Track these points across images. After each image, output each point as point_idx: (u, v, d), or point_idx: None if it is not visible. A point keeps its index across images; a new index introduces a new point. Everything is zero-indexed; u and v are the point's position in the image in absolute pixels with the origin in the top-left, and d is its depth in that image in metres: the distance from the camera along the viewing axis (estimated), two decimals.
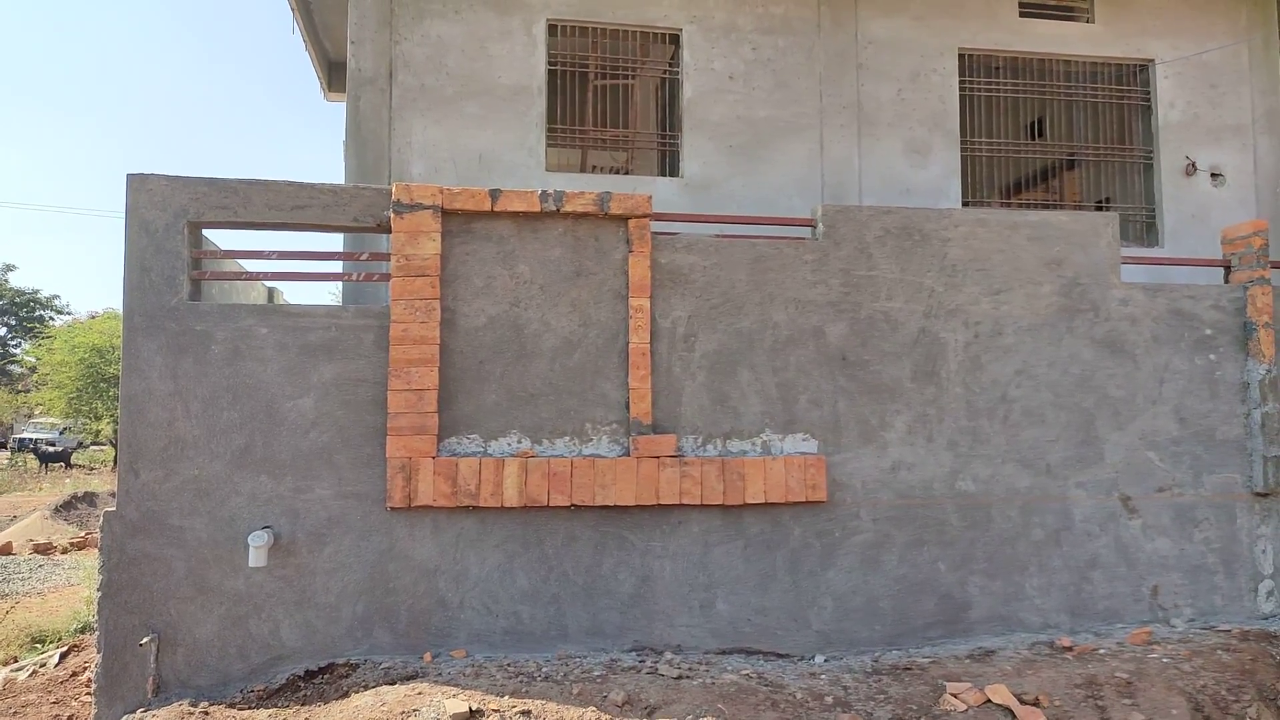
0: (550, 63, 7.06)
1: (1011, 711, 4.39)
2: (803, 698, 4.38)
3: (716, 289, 5.27)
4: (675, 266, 5.24)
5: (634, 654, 4.87)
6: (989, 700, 4.45)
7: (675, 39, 7.17)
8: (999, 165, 7.93)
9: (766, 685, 4.48)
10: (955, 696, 4.47)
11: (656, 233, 5.36)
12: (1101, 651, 5.01)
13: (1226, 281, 6.16)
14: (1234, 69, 7.71)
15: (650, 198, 5.17)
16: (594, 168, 8.58)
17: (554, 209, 5.06)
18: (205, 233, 5.11)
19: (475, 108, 6.84)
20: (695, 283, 5.26)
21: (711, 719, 4.08)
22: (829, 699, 4.41)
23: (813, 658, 5.08)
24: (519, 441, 4.98)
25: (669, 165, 7.05)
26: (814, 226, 5.54)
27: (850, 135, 6.98)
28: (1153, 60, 7.59)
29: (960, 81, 7.36)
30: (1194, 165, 7.56)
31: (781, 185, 6.84)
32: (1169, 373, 5.78)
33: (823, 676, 4.68)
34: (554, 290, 5.09)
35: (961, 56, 7.40)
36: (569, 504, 4.90)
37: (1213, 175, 7.58)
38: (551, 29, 7.05)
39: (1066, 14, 7.58)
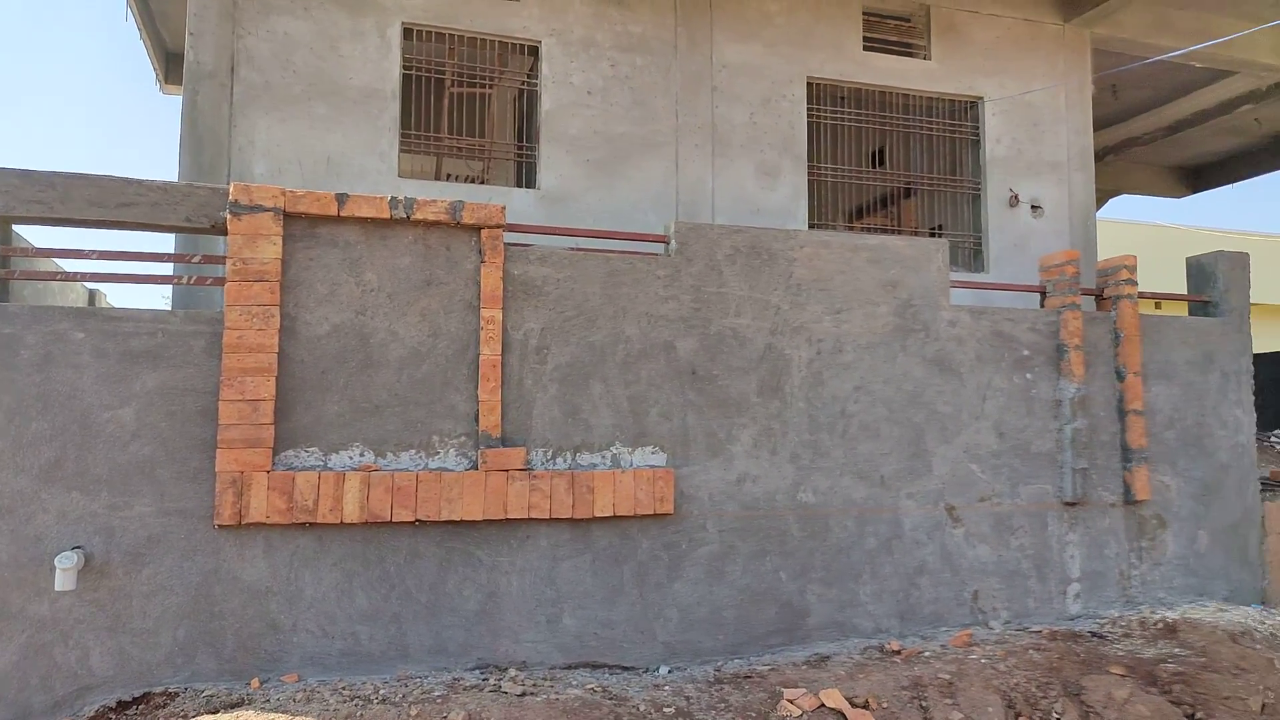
0: (405, 67, 6.91)
1: (844, 715, 4.57)
2: (645, 709, 4.42)
3: (570, 302, 5.28)
4: (529, 278, 5.21)
5: (478, 672, 4.79)
6: (823, 704, 4.61)
7: (535, 51, 7.16)
8: (843, 190, 8.31)
9: (610, 699, 4.49)
10: (791, 702, 4.62)
11: (510, 244, 5.32)
12: (927, 654, 5.28)
13: (1043, 306, 6.65)
14: (1053, 110, 8.36)
15: (504, 208, 5.13)
16: (449, 176, 8.44)
17: (404, 216, 4.95)
18: (22, 230, 4.72)
19: (324, 109, 6.61)
20: (549, 295, 5.25)
21: None
22: (670, 709, 4.46)
23: (658, 669, 5.14)
24: (362, 454, 4.82)
25: (526, 177, 7.02)
26: (667, 243, 5.64)
27: (704, 155, 7.16)
28: (982, 98, 8.14)
29: (809, 109, 7.67)
30: (1017, 197, 8.14)
31: (637, 201, 6.93)
32: (991, 390, 6.18)
33: (666, 688, 4.74)
34: (403, 299, 4.97)
35: (810, 85, 7.71)
36: (414, 519, 4.78)
37: (1033, 207, 8.19)
38: (407, 33, 6.90)
39: (906, 50, 8.03)
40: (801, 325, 5.76)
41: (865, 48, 7.85)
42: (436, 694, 4.36)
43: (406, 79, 6.96)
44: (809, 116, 7.67)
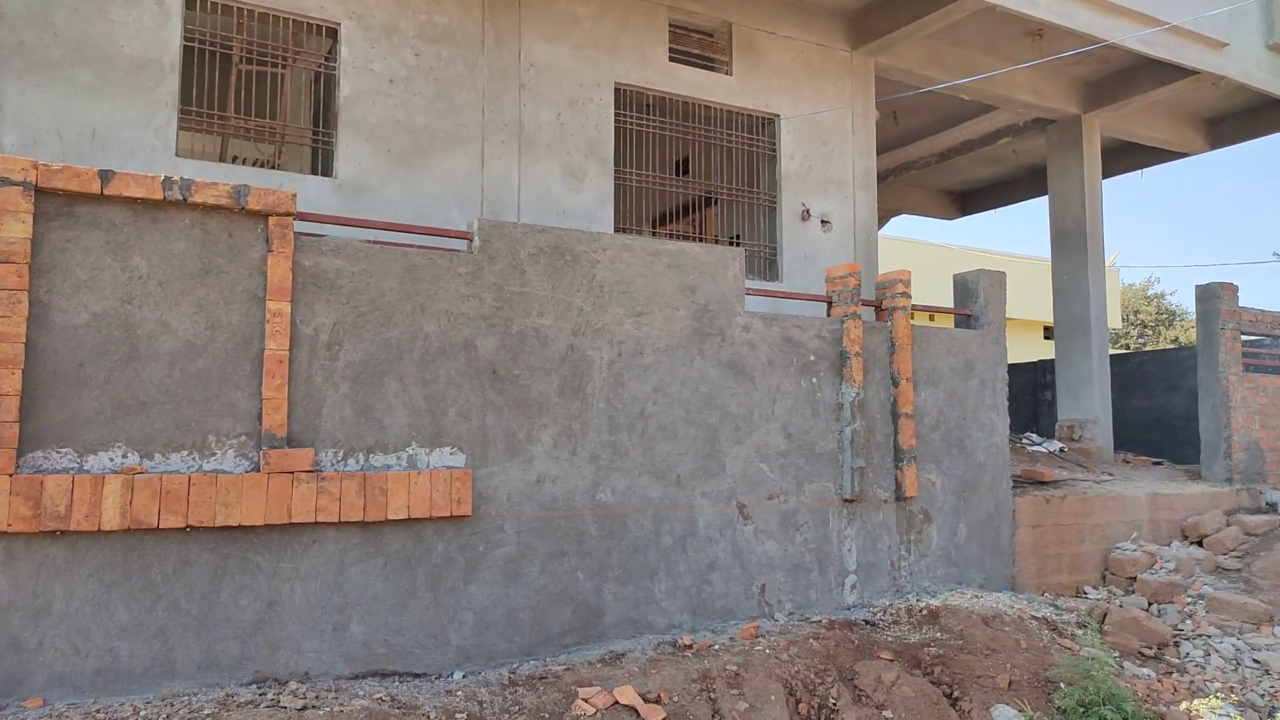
0: (187, 39, 6.41)
1: (636, 711, 4.65)
2: (436, 717, 4.31)
3: (365, 296, 5.07)
4: (321, 270, 4.97)
5: (254, 686, 4.50)
6: (617, 702, 4.68)
7: (333, 33, 6.84)
8: (649, 196, 8.49)
9: (399, 708, 4.35)
10: (586, 701, 4.65)
11: (302, 233, 5.05)
12: (716, 647, 5.47)
13: (829, 315, 7.07)
14: (841, 131, 8.90)
15: (295, 195, 4.86)
16: (236, 159, 7.91)
17: (181, 198, 4.58)
18: None
19: (90, 77, 6.02)
20: (342, 288, 5.02)
21: None
22: (463, 715, 4.38)
23: (451, 675, 5.03)
24: (125, 456, 4.41)
25: (322, 164, 6.69)
26: (470, 240, 5.54)
27: (511, 153, 7.09)
28: (778, 115, 8.55)
29: (616, 114, 7.77)
30: (808, 211, 8.60)
31: (440, 196, 6.77)
32: (780, 393, 6.49)
33: (459, 693, 4.64)
34: (176, 288, 4.59)
35: (618, 90, 7.82)
36: (184, 525, 4.43)
37: (822, 221, 8.69)
38: (190, 2, 6.40)
39: (709, 64, 8.30)
40: (603, 327, 5.82)
41: (671, 58, 8.05)
42: (206, 712, 4.06)
43: (189, 51, 6.46)
44: (616, 122, 7.77)
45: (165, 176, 4.55)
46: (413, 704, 4.42)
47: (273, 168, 6.96)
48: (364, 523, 4.91)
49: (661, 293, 6.06)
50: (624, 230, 8.15)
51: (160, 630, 4.41)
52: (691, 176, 8.76)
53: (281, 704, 4.20)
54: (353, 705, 4.26)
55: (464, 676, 5.00)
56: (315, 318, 4.92)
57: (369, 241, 5.24)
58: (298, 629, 4.73)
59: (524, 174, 7.13)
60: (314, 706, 4.23)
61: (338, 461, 4.92)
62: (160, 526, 4.38)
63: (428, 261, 5.27)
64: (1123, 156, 12.85)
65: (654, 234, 8.81)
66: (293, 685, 4.49)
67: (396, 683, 4.83)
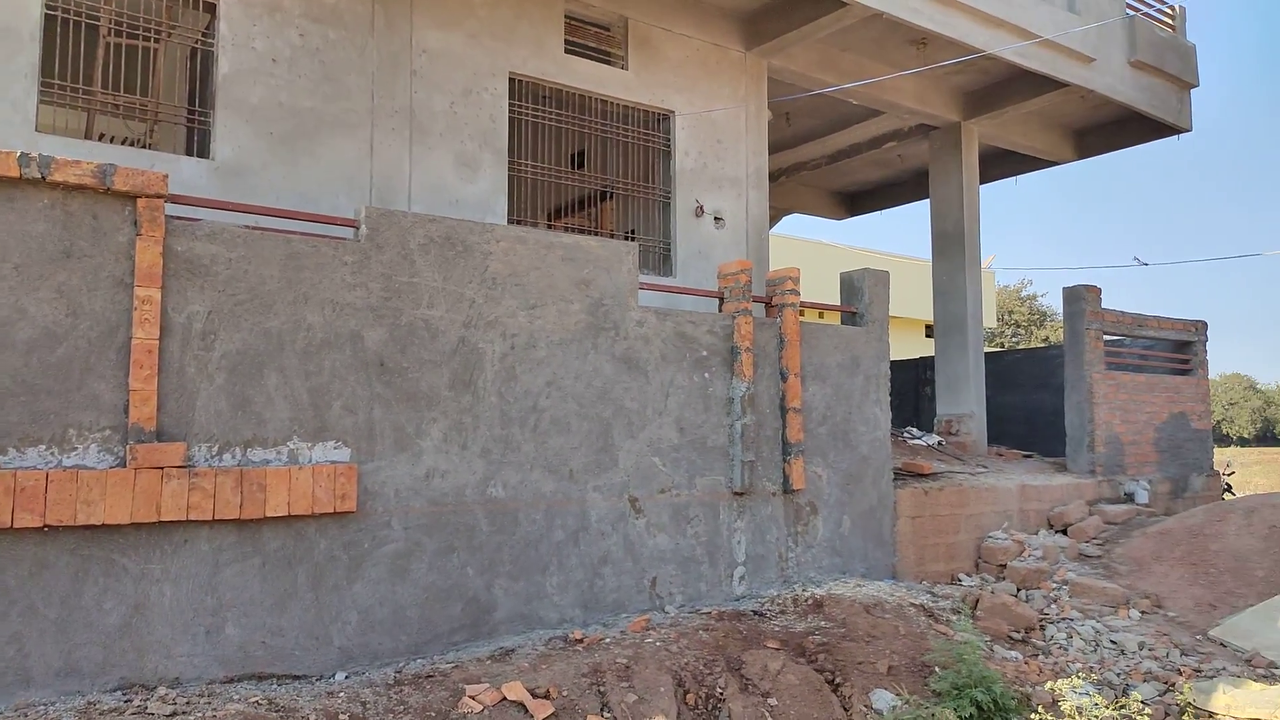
0: (49, 7, 6.00)
1: (525, 706, 4.61)
2: (316, 719, 4.17)
3: (243, 284, 4.86)
4: (195, 256, 4.73)
5: (119, 694, 4.26)
6: (505, 698, 4.62)
7: (211, 8, 6.51)
8: (544, 189, 8.42)
9: (277, 711, 4.19)
10: (473, 698, 4.58)
11: (175, 217, 4.81)
12: (607, 641, 5.48)
13: (720, 311, 7.16)
14: (734, 129, 9.03)
15: (166, 176, 4.62)
16: (104, 136, 7.46)
17: (39, 176, 4.29)
18: None
19: None
20: (218, 275, 4.79)
21: None
22: (345, 716, 4.25)
23: (333, 676, 4.88)
24: None
25: (198, 145, 6.38)
26: (357, 228, 5.37)
27: (402, 140, 6.91)
28: (673, 112, 8.61)
29: (510, 104, 7.67)
30: (702, 208, 8.70)
31: (327, 182, 6.54)
32: (673, 388, 6.54)
33: (341, 695, 4.51)
34: (33, 272, 4.30)
35: (512, 80, 7.72)
36: (42, 525, 4.16)
37: (715, 218, 8.79)
38: None
39: (605, 58, 8.29)
40: (496, 319, 5.74)
41: (567, 50, 8.00)
42: None
43: (51, 20, 6.05)
44: (511, 112, 7.67)
45: (22, 153, 4.25)
46: (292, 707, 4.27)
47: (144, 147, 6.60)
48: (241, 521, 4.71)
49: (555, 286, 6.02)
50: (519, 222, 8.06)
51: (14, 637, 4.13)
52: (587, 170, 8.73)
53: (149, 711, 3.99)
54: (226, 710, 4.09)
55: (347, 677, 4.86)
56: (189, 305, 4.69)
57: (248, 227, 5.02)
58: (168, 633, 4.50)
59: (415, 162, 6.97)
60: (184, 713, 4.03)
61: (212, 456, 4.70)
62: (14, 526, 4.09)
63: (311, 249, 5.09)
64: (999, 163, 13.46)
65: (550, 227, 8.75)
66: (161, 691, 4.27)
67: (275, 685, 4.66)
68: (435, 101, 7.12)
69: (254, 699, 4.29)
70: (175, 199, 4.87)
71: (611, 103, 8.33)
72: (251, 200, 6.10)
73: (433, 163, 7.09)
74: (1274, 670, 6.32)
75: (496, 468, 5.68)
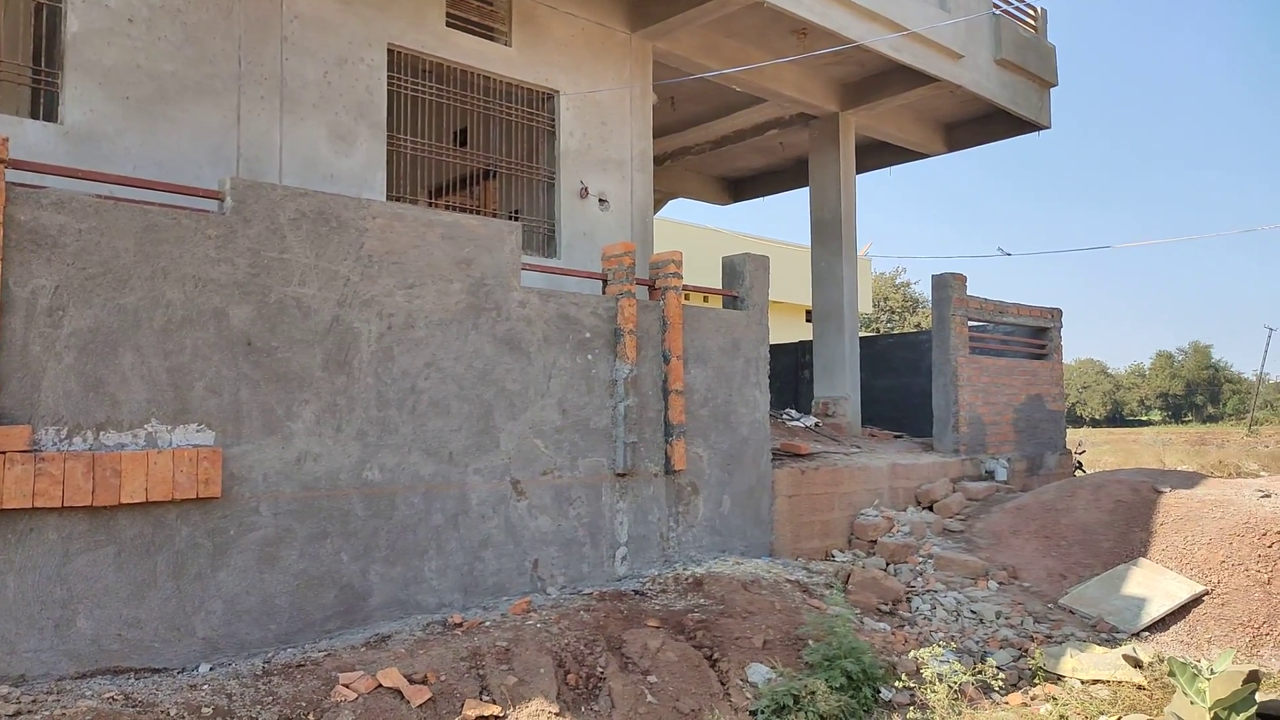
0: None
1: (401, 693, 4.52)
2: (177, 713, 3.99)
3: (95, 257, 4.56)
4: (41, 226, 4.41)
5: None
6: (380, 685, 4.53)
7: None
8: (425, 166, 8.20)
9: (134, 706, 3.98)
10: (347, 687, 4.47)
11: (17, 184, 4.48)
12: (487, 624, 5.43)
13: (604, 293, 7.15)
14: (619, 112, 9.01)
15: (7, 140, 4.28)
16: None
17: None
18: None
19: None
20: (67, 247, 4.49)
21: None
22: (209, 710, 4.08)
23: (197, 668, 4.67)
24: None
25: (44, 108, 5.93)
26: (222, 200, 5.12)
27: (271, 110, 6.60)
28: (558, 92, 8.52)
29: (389, 77, 7.43)
30: (586, 190, 8.66)
31: (189, 152, 6.19)
32: (556, 370, 6.51)
33: (205, 687, 4.32)
34: None
35: (391, 52, 7.47)
36: None
37: (600, 200, 8.77)
38: None
39: (487, 33, 8.12)
40: (372, 298, 5.58)
41: (448, 24, 7.80)
42: None
43: None
44: (389, 85, 7.43)
45: None
46: (150, 701, 4.06)
47: None
48: (93, 508, 4.44)
49: (435, 265, 5.88)
50: (398, 199, 7.84)
51: None
52: (470, 149, 8.56)
53: None
54: (78, 707, 3.86)
55: (212, 669, 4.66)
56: (33, 279, 4.37)
57: (101, 197, 4.72)
58: (12, 627, 4.21)
59: (286, 133, 6.67)
60: (29, 711, 3.79)
61: (61, 440, 4.41)
62: None
63: (171, 221, 4.82)
64: (876, 154, 13.90)
65: (432, 205, 8.53)
66: (4, 690, 3.99)
67: (133, 680, 4.43)
68: (308, 70, 6.84)
69: (108, 694, 4.06)
70: (17, 164, 4.53)
71: (495, 80, 8.18)
72: (106, 169, 5.72)
73: (305, 134, 6.81)
74: (1115, 634, 6.80)
75: (373, 451, 5.53)
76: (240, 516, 4.95)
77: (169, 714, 3.97)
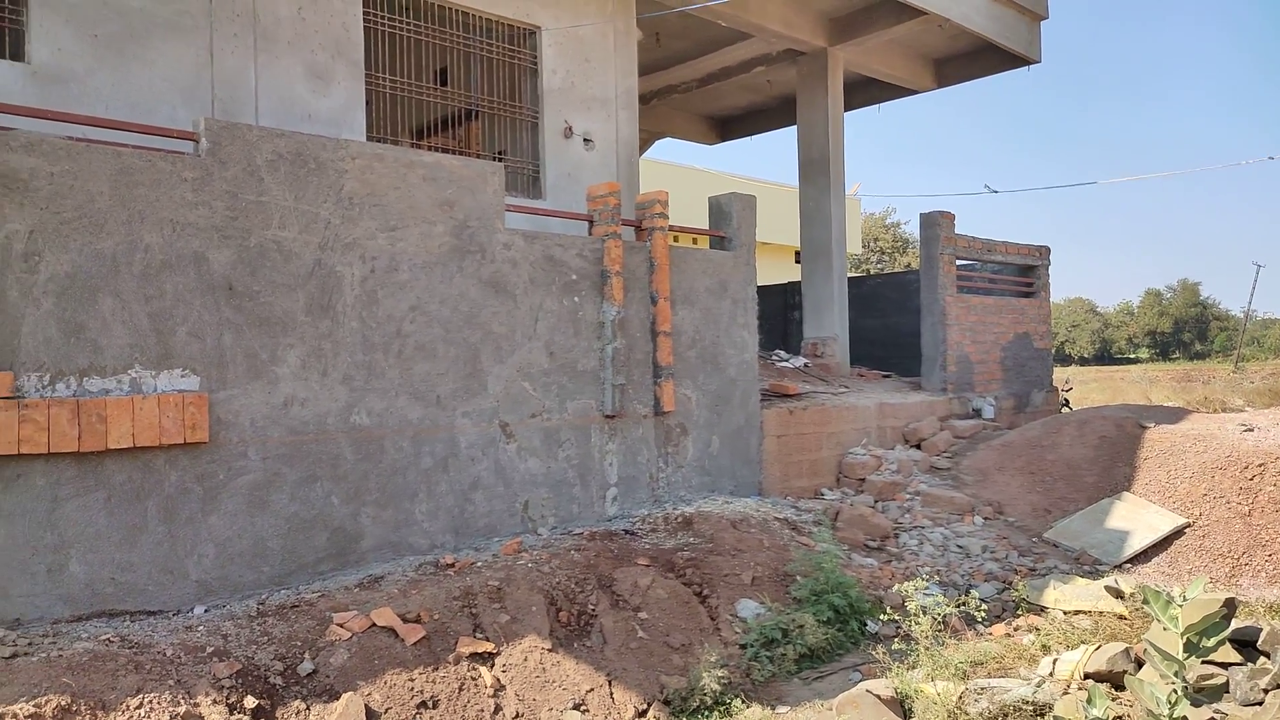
0: None
1: (395, 631, 4.58)
2: (174, 654, 4.03)
3: (69, 201, 4.48)
4: (11, 170, 4.32)
5: None
6: (374, 624, 4.58)
7: None
8: (405, 106, 8.04)
9: (130, 647, 4.02)
10: (341, 626, 4.51)
11: None
12: (479, 564, 5.48)
13: (590, 234, 7.09)
14: (603, 48, 8.83)
15: None
16: None
17: None
18: None
19: None
20: (40, 191, 4.40)
21: (54, 695, 3.53)
22: (206, 650, 4.12)
23: (191, 610, 4.71)
24: None
25: (10, 47, 5.76)
26: (197, 142, 5.02)
27: (245, 48, 6.44)
28: (540, 27, 8.33)
29: (365, 13, 7.25)
30: (570, 129, 8.52)
31: (162, 92, 6.04)
32: (543, 312, 6.47)
33: (200, 628, 4.36)
34: None
35: None
36: None
37: (585, 140, 8.64)
38: None
39: None
40: (354, 241, 5.51)
41: None
42: None
43: None
44: (365, 21, 7.25)
45: None
46: (146, 643, 4.10)
47: None
48: (80, 453, 4.43)
49: (417, 207, 5.81)
50: (380, 140, 7.70)
51: None
52: (451, 88, 8.40)
53: None
54: (74, 649, 3.89)
55: (206, 611, 4.70)
56: (7, 224, 4.30)
57: (72, 139, 4.61)
58: (3, 572, 4.23)
59: (261, 72, 6.52)
60: (25, 654, 3.82)
61: (44, 386, 4.38)
62: None
63: (146, 164, 4.73)
64: (864, 91, 13.71)
65: (414, 146, 8.40)
66: (0, 633, 4.02)
67: (129, 622, 4.47)
68: (281, 6, 6.65)
69: (105, 636, 4.10)
70: None
71: (475, 15, 7.99)
72: (76, 110, 5.59)
73: (280, 73, 6.65)
74: (1098, 567, 6.92)
75: (360, 395, 5.51)
76: (229, 461, 4.95)
77: (165, 655, 4.01)
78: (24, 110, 4.72)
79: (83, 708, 3.55)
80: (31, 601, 4.30)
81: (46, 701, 3.49)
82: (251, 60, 6.44)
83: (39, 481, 4.33)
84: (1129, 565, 6.90)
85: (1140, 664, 4.22)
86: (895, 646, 4.93)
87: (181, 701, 3.74)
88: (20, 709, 3.41)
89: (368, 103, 7.32)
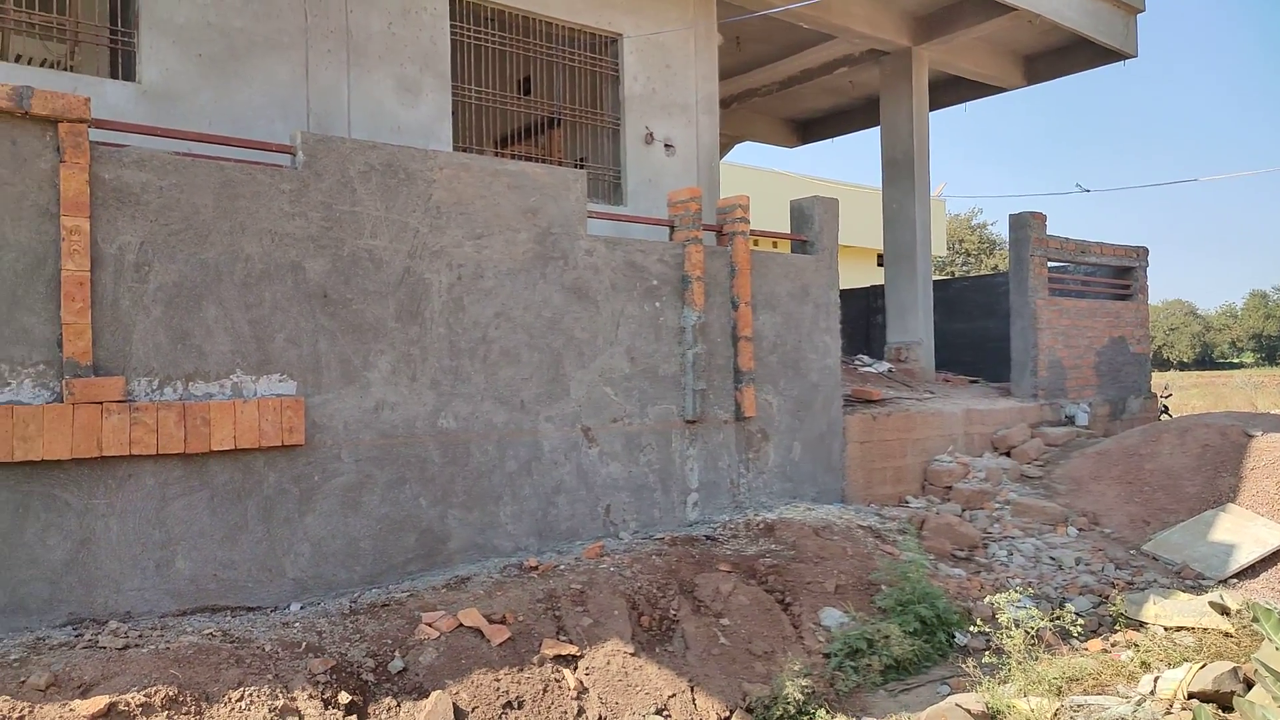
0: None
1: (481, 631, 4.66)
2: (272, 649, 4.18)
3: (176, 213, 4.70)
4: (124, 184, 4.55)
5: (69, 628, 4.22)
6: (461, 624, 4.67)
7: None
8: (490, 115, 8.20)
9: (232, 642, 4.19)
10: (430, 625, 4.62)
11: (100, 143, 4.61)
12: (562, 568, 5.54)
13: (671, 239, 7.11)
14: (684, 53, 8.85)
15: (89, 100, 4.41)
16: (20, 58, 7.07)
17: None
18: None
19: None
20: (150, 204, 4.62)
21: (162, 686, 3.69)
22: (302, 646, 4.27)
23: (288, 607, 4.88)
24: None
25: (123, 68, 6.08)
26: (293, 155, 5.20)
27: (339, 63, 6.66)
28: (621, 35, 8.40)
29: (452, 26, 7.41)
30: (651, 135, 8.57)
31: (261, 107, 6.29)
32: (624, 317, 6.52)
33: (296, 625, 4.51)
34: None
35: (453, 0, 7.45)
36: None
37: (666, 145, 8.67)
38: None
39: None
40: (441, 249, 5.64)
41: None
42: (13, 657, 3.78)
43: None
44: (453, 34, 7.42)
45: None
46: (246, 638, 4.27)
47: (66, 69, 6.27)
48: (186, 454, 4.63)
49: (502, 214, 5.91)
50: (465, 150, 7.87)
51: None
52: (534, 96, 8.53)
53: (100, 644, 3.96)
54: (180, 641, 4.07)
55: (302, 608, 4.86)
56: (120, 236, 4.53)
57: (179, 154, 4.83)
58: (116, 567, 4.45)
59: (354, 86, 6.73)
60: (136, 645, 4.01)
61: (153, 391, 4.59)
62: None
63: (247, 177, 4.92)
64: (949, 90, 13.42)
65: (498, 155, 8.55)
66: (113, 625, 4.24)
67: (229, 617, 4.65)
68: (372, 21, 6.86)
69: (208, 630, 4.28)
70: (100, 124, 4.67)
71: (557, 25, 8.10)
72: (181, 125, 5.85)
73: (372, 87, 6.85)
74: (1201, 581, 6.62)
75: (447, 399, 5.64)
76: (323, 463, 5.12)
77: (264, 650, 4.17)
78: (136, 127, 4.96)
79: (188, 699, 3.71)
80: (141, 595, 4.51)
81: (156, 692, 3.66)
82: (344, 75, 6.65)
83: (148, 481, 4.55)
84: (1235, 580, 6.58)
85: (1249, 684, 4.03)
86: (985, 660, 4.80)
87: (280, 695, 3.88)
88: (133, 698, 3.59)
89: (454, 113, 7.48)
